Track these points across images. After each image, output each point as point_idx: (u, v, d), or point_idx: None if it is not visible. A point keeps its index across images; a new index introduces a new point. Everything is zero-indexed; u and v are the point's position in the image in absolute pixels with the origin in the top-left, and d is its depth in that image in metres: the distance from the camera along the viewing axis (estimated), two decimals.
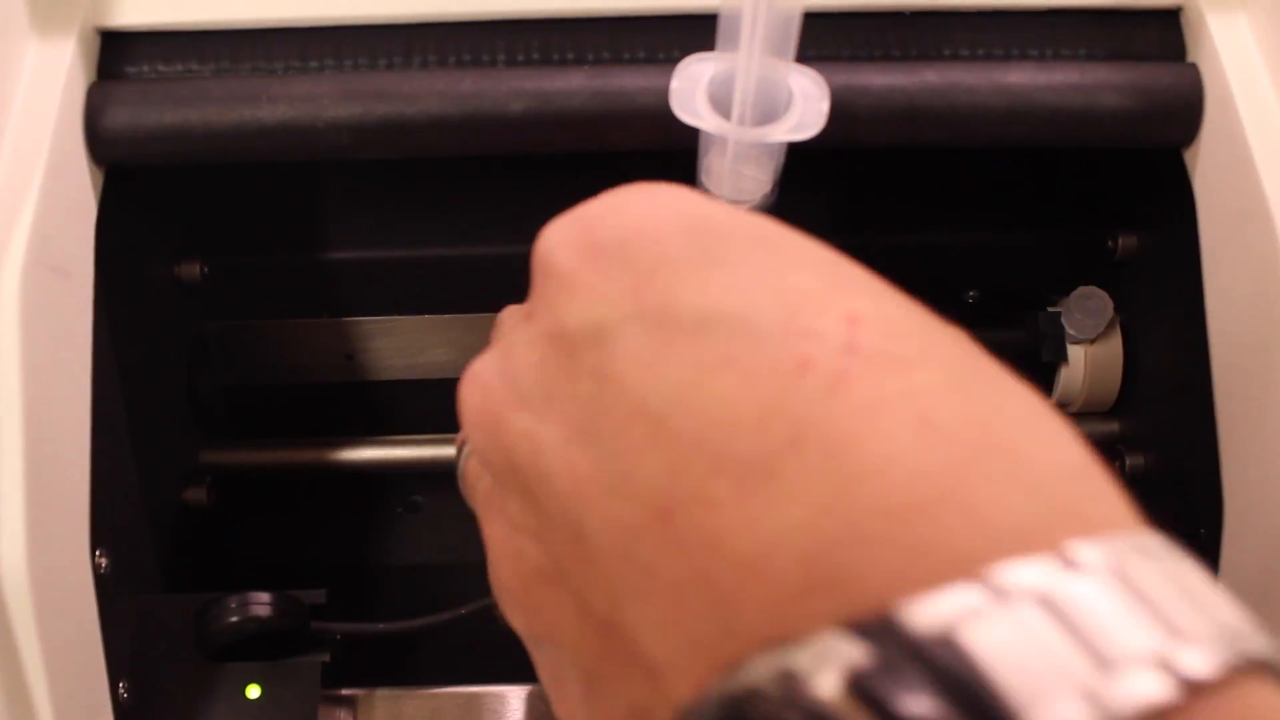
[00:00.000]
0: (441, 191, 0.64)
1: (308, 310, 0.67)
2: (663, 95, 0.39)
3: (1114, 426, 0.64)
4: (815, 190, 0.62)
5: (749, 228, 0.23)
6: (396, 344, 0.70)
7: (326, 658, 0.53)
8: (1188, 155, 0.50)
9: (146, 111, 0.47)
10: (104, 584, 0.47)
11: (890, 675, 0.15)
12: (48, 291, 0.44)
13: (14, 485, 0.41)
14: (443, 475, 0.68)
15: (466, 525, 0.70)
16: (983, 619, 0.16)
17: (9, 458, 0.41)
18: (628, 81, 0.47)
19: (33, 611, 0.42)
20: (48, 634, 0.43)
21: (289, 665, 0.53)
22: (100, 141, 0.47)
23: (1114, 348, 0.62)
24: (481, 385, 0.24)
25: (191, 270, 0.60)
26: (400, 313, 0.68)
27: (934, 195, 0.64)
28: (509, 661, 0.61)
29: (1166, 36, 0.50)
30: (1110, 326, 0.62)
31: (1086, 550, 0.17)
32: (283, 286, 0.65)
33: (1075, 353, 0.62)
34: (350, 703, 0.56)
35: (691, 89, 0.39)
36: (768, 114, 0.39)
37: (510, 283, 0.65)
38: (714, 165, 0.43)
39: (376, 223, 0.64)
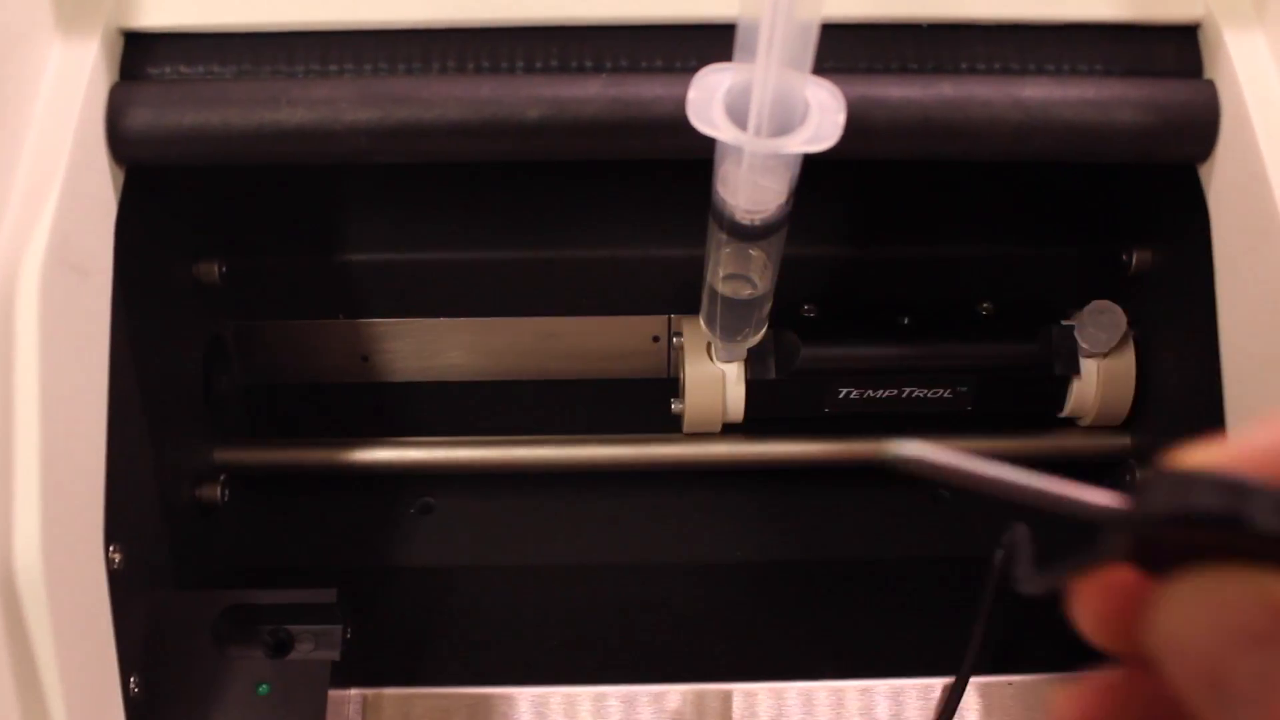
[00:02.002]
0: (459, 196, 0.64)
1: (324, 312, 0.68)
2: (680, 104, 0.39)
3: (1126, 441, 0.64)
4: (831, 201, 0.62)
5: None
6: (412, 346, 0.70)
7: (336, 656, 0.53)
8: (1203, 171, 0.50)
9: (167, 112, 0.47)
10: (117, 579, 0.48)
11: None
12: (67, 289, 0.44)
13: (30, 480, 0.42)
14: (455, 477, 0.69)
15: (478, 528, 0.71)
16: None
17: (25, 453, 0.42)
18: (645, 90, 0.47)
19: (46, 605, 0.42)
20: (61, 627, 0.43)
21: (298, 664, 0.53)
22: (121, 141, 0.48)
23: (1127, 362, 0.62)
24: None
25: (210, 270, 0.61)
26: (416, 315, 0.68)
27: (949, 207, 0.64)
28: (518, 663, 0.61)
29: (1184, 53, 0.50)
30: (1124, 341, 0.62)
31: None
32: (300, 288, 0.66)
33: (1088, 366, 0.62)
34: (359, 702, 0.56)
35: (708, 99, 0.39)
36: (784, 125, 0.39)
37: (526, 287, 0.65)
38: (730, 175, 0.43)
39: (394, 226, 0.64)
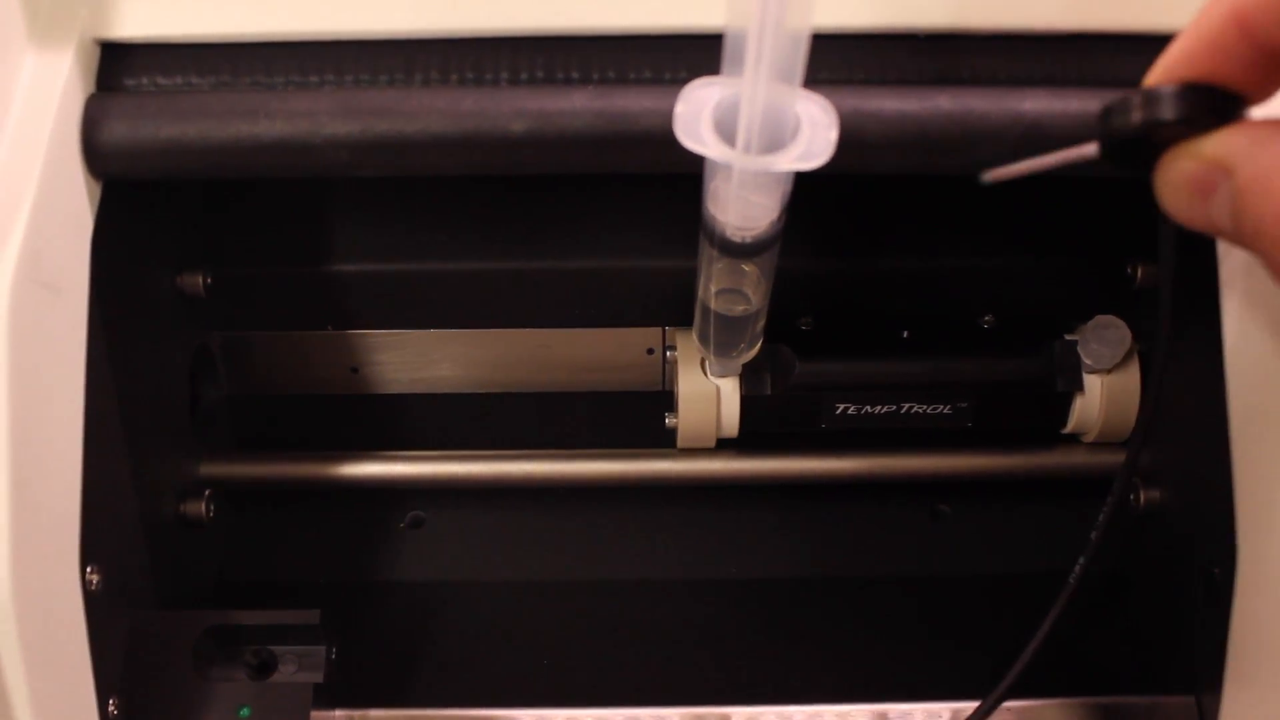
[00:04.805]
0: (448, 206, 0.63)
1: (313, 323, 0.66)
2: (667, 118, 0.37)
3: None
4: (827, 214, 0.61)
5: None
6: (403, 358, 0.69)
7: (320, 678, 0.52)
8: None
9: (144, 125, 0.46)
10: (95, 600, 0.47)
11: None
12: (38, 307, 0.43)
13: None
14: (446, 491, 0.68)
15: (469, 542, 0.69)
16: None
17: None
18: (632, 103, 0.46)
19: (16, 629, 0.41)
20: (32, 651, 0.42)
21: (280, 686, 0.52)
22: (97, 154, 0.47)
23: (1132, 378, 0.61)
24: None
25: (194, 282, 0.60)
26: (406, 327, 0.67)
27: (951, 219, 0.63)
28: (510, 683, 0.60)
29: None
30: (1129, 356, 0.60)
31: None
32: (288, 298, 0.65)
33: (1092, 382, 0.61)
34: None
35: (696, 114, 0.38)
36: (774, 141, 0.38)
37: (518, 298, 0.64)
38: (720, 191, 0.42)
39: (383, 236, 0.63)
